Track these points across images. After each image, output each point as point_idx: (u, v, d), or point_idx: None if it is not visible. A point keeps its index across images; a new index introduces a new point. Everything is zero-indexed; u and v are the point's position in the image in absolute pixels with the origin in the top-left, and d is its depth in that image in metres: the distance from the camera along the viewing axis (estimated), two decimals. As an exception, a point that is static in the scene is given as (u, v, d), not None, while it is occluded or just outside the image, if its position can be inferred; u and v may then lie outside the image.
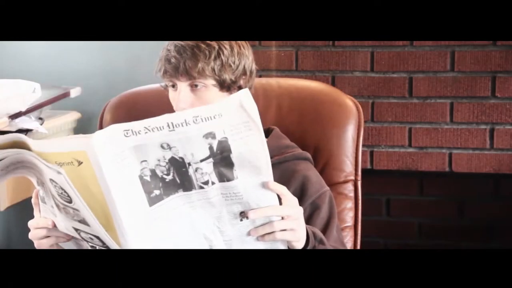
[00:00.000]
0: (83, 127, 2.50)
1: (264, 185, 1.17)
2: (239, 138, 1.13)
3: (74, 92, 2.15)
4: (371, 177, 2.14)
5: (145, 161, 1.12)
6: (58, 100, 2.11)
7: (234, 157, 1.14)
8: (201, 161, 1.13)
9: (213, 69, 1.39)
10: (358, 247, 1.66)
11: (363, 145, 1.69)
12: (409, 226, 2.60)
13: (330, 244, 1.41)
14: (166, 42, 1.46)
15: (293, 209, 1.23)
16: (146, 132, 1.10)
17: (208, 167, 1.13)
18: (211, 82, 1.41)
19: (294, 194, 1.41)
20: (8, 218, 2.71)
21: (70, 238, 1.23)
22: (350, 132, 1.66)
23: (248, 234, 1.19)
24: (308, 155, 1.55)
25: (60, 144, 1.13)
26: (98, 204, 1.14)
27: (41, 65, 2.61)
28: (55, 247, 1.25)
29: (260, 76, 2.33)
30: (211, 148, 1.13)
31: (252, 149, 1.14)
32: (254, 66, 1.48)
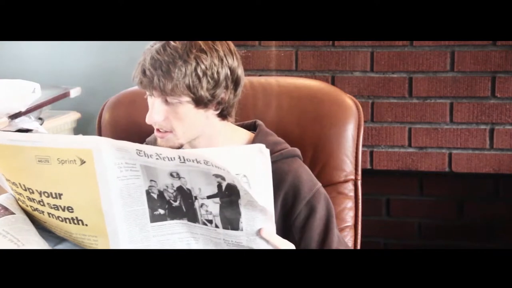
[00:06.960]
0: (83, 127, 2.50)
1: (264, 235, 1.14)
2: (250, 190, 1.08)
3: (74, 92, 2.15)
4: (371, 177, 2.13)
5: (154, 181, 1.11)
6: (58, 100, 2.11)
7: (242, 205, 1.10)
8: (208, 197, 1.10)
9: (188, 87, 1.32)
10: (358, 247, 1.65)
11: (363, 145, 1.69)
12: (409, 226, 2.60)
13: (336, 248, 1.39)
14: (150, 43, 1.40)
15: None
16: (157, 159, 1.08)
17: (214, 208, 1.10)
18: (185, 99, 1.35)
19: (286, 197, 1.41)
20: (8, 218, 2.70)
21: None
22: (350, 131, 1.66)
23: None
24: (297, 151, 1.50)
25: (65, 140, 1.11)
26: (90, 209, 1.12)
27: (41, 65, 2.61)
28: None
29: (259, 76, 2.33)
30: (219, 186, 1.10)
31: (261, 200, 1.10)
32: (240, 73, 1.40)
